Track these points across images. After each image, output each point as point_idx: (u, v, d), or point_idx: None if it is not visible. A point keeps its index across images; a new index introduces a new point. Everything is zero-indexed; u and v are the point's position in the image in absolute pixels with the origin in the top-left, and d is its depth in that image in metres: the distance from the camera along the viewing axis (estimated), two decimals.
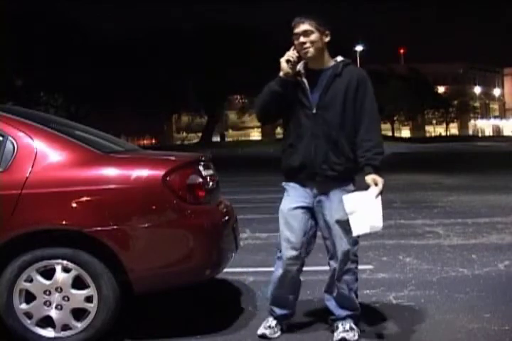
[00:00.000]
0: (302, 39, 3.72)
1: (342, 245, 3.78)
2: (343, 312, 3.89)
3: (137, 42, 46.01)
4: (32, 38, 40.58)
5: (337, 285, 3.87)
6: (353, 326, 3.86)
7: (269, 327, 3.94)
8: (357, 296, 3.96)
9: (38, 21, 41.05)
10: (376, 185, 3.65)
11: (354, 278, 3.90)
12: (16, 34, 39.86)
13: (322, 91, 3.74)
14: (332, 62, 3.83)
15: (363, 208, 3.62)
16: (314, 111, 3.74)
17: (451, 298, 4.72)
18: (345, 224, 3.72)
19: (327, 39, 3.79)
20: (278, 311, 3.98)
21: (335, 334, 3.84)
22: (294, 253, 3.82)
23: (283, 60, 3.74)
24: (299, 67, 3.83)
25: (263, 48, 44.09)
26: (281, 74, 3.76)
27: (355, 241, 3.82)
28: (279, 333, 3.94)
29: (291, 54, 3.73)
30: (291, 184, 3.87)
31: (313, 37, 3.73)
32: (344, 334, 3.80)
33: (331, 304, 3.94)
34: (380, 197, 3.65)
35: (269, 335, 3.91)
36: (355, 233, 3.67)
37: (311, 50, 3.73)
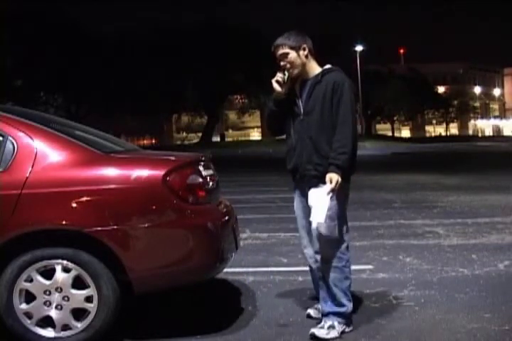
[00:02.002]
0: (282, 63, 4.07)
1: (317, 239, 3.98)
2: (327, 308, 4.00)
3: (137, 42, 46.00)
4: (32, 38, 40.57)
5: (320, 281, 4.03)
6: (335, 324, 3.92)
7: (316, 308, 4.29)
8: (346, 294, 4.00)
9: (38, 21, 41.04)
10: (331, 183, 3.86)
11: (341, 276, 3.99)
12: (16, 34, 39.85)
13: (306, 99, 4.06)
14: (318, 71, 4.11)
15: (314, 203, 3.90)
16: (302, 117, 4.06)
17: (451, 298, 4.72)
18: (325, 222, 3.91)
19: (305, 52, 4.08)
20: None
21: None
22: (307, 247, 4.17)
23: (273, 81, 4.07)
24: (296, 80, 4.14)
25: (263, 48, 44.12)
26: (274, 95, 4.12)
27: (337, 239, 3.96)
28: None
29: (279, 74, 4.07)
30: (295, 185, 4.23)
31: (290, 57, 4.05)
32: (315, 330, 3.91)
33: (320, 299, 4.09)
34: (330, 195, 3.85)
35: (313, 315, 4.27)
36: (313, 225, 3.91)
37: (292, 69, 4.06)
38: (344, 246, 4.02)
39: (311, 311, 4.30)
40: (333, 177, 3.87)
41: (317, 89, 4.01)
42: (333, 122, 3.96)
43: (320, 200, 3.86)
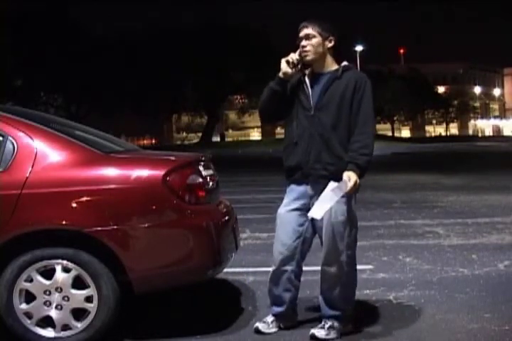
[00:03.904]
0: (303, 42, 3.89)
1: (329, 246, 3.84)
2: (329, 312, 3.93)
3: (137, 42, 46.02)
4: (32, 37, 40.58)
5: (327, 285, 3.92)
6: (335, 326, 3.88)
7: (265, 322, 4.03)
8: (350, 298, 3.96)
9: (38, 21, 41.04)
10: (349, 180, 3.71)
11: (347, 281, 3.91)
12: (16, 34, 39.86)
13: (320, 94, 3.87)
14: (335, 67, 3.93)
15: (324, 197, 3.71)
16: (312, 112, 3.87)
17: (451, 298, 4.72)
18: (338, 226, 3.81)
19: (330, 44, 3.92)
20: (275, 309, 4.06)
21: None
22: (286, 253, 3.95)
23: (283, 61, 3.88)
24: (306, 70, 3.97)
25: (263, 48, 44.17)
26: (280, 74, 3.89)
27: (348, 244, 3.85)
28: (274, 329, 4.01)
29: (292, 56, 3.88)
30: (291, 186, 3.99)
31: (314, 41, 3.88)
32: (315, 331, 3.85)
33: (321, 301, 3.99)
34: (340, 193, 3.69)
35: (261, 329, 3.98)
36: (309, 214, 3.76)
37: (310, 53, 3.88)
38: (351, 252, 3.89)
39: (259, 325, 4.00)
40: (351, 176, 3.70)
41: (336, 84, 3.84)
42: (349, 121, 3.81)
43: (325, 195, 3.68)
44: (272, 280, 4.02)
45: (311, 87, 3.91)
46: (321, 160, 3.82)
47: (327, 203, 3.69)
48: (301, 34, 3.90)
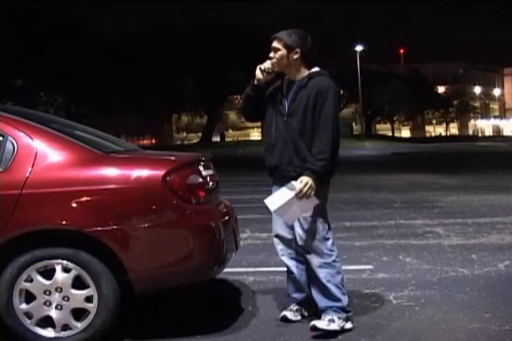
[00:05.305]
0: (271, 54, 4.13)
1: (302, 239, 4.04)
2: (323, 304, 4.04)
3: (137, 42, 46.01)
4: (32, 37, 40.57)
5: (312, 278, 4.07)
6: (335, 318, 3.97)
7: (291, 310, 4.25)
8: (340, 288, 4.04)
9: (38, 21, 41.04)
10: (301, 183, 3.90)
11: (332, 272, 4.03)
12: (17, 34, 39.86)
13: (290, 101, 4.10)
14: (305, 74, 4.13)
15: (279, 191, 3.99)
16: (285, 118, 4.10)
17: (451, 298, 4.72)
18: (306, 221, 4.01)
19: (296, 56, 4.09)
20: (296, 295, 4.26)
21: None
22: (282, 245, 4.22)
23: (258, 68, 4.14)
24: (285, 76, 4.20)
25: (263, 48, 44.11)
26: (254, 80, 4.16)
27: (322, 237, 4.03)
28: (299, 317, 4.23)
29: (266, 64, 4.13)
30: (274, 187, 4.22)
31: (278, 54, 4.09)
32: (316, 322, 3.96)
33: (315, 295, 4.10)
34: (292, 193, 3.88)
35: (289, 317, 4.21)
36: (266, 201, 4.02)
37: (275, 65, 4.11)
38: (330, 242, 4.07)
39: (287, 313, 4.24)
40: (303, 180, 3.90)
41: (301, 93, 4.05)
42: (313, 127, 4.00)
43: (285, 193, 3.91)
44: (287, 271, 4.28)
45: (286, 93, 4.14)
46: (292, 163, 4.05)
47: (281, 199, 3.92)
48: (271, 46, 4.11)
